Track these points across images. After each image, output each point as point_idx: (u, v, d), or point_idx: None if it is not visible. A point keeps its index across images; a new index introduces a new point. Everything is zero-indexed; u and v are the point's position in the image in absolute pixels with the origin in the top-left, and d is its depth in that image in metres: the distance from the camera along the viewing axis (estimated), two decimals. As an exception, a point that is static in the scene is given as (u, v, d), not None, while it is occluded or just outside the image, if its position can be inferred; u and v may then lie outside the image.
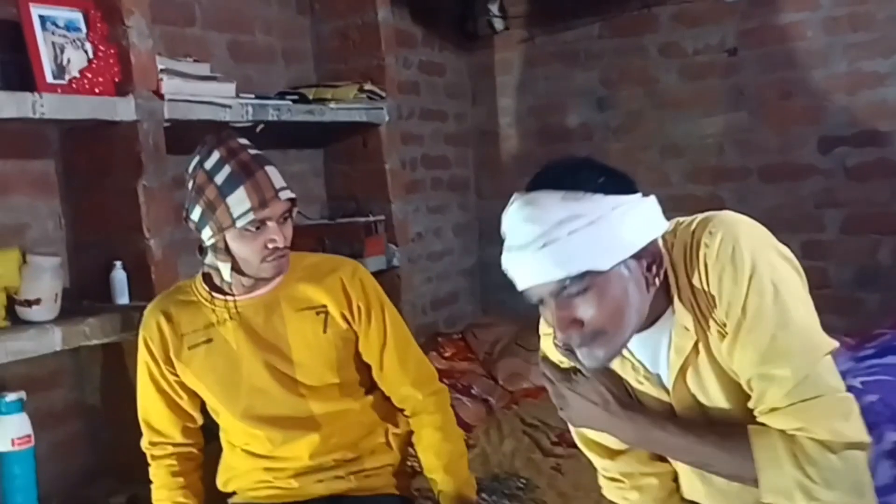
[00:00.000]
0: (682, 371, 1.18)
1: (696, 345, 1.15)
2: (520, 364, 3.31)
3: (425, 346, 3.42)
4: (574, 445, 2.49)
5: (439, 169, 4.01)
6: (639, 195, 1.13)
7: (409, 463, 2.37)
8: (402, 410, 1.79)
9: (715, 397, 1.17)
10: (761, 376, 1.08)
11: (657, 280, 1.12)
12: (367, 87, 3.03)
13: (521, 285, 1.11)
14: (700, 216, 1.16)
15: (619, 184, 1.11)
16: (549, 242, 1.06)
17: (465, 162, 4.23)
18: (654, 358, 1.21)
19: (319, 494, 1.70)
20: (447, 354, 3.37)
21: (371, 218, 3.13)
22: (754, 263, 1.08)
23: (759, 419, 1.11)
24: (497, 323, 3.63)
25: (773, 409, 1.08)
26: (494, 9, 3.89)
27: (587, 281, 1.07)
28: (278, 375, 1.65)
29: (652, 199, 1.15)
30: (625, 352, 1.21)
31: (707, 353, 1.16)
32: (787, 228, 3.37)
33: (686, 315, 1.14)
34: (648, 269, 1.11)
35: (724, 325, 1.11)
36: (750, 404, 1.12)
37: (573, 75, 3.91)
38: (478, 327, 3.61)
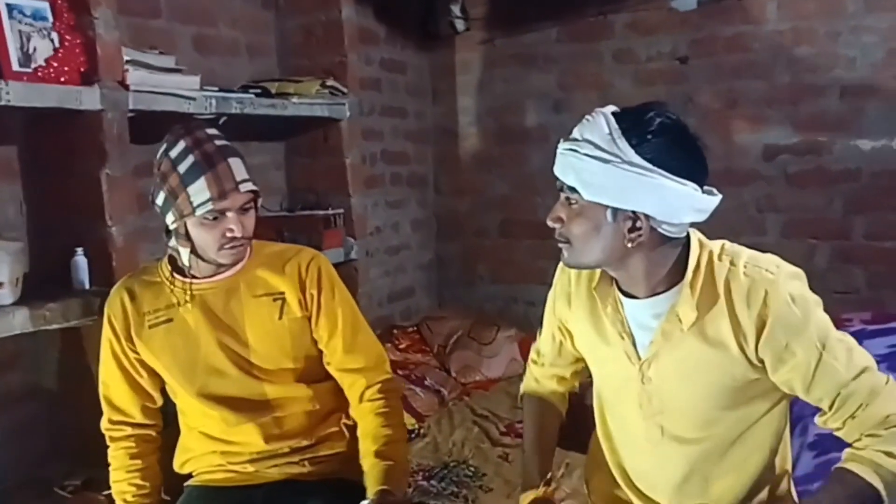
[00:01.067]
0: (659, 353, 1.30)
1: (681, 336, 1.26)
2: (472, 357, 3.40)
3: (381, 338, 3.44)
4: (521, 435, 2.61)
5: (399, 165, 4.08)
6: (670, 178, 1.19)
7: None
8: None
9: (678, 386, 1.30)
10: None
11: (631, 244, 1.23)
12: (330, 82, 3.08)
13: (555, 168, 1.28)
14: (769, 260, 1.27)
15: (667, 157, 1.19)
16: (572, 150, 1.23)
17: (424, 159, 4.31)
18: (641, 327, 1.32)
19: (274, 479, 1.76)
20: (402, 346, 3.44)
21: (330, 211, 3.18)
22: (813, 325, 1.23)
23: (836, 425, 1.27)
24: (451, 317, 3.71)
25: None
26: (456, 10, 3.97)
27: (575, 196, 1.24)
28: (234, 357, 1.70)
29: (679, 191, 1.20)
30: (620, 307, 1.34)
31: (693, 351, 1.26)
32: (731, 232, 3.42)
33: (688, 309, 1.24)
34: (630, 231, 1.23)
35: (762, 360, 1.24)
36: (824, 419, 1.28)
37: (531, 77, 4.01)
38: (432, 320, 3.69)
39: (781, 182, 3.54)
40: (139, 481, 1.77)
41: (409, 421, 2.70)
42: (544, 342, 1.59)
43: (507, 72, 4.08)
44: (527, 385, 1.65)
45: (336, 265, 3.15)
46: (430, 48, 4.22)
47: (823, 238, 3.46)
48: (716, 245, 1.30)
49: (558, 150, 1.26)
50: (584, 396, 2.83)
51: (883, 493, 1.20)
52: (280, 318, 1.71)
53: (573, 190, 1.24)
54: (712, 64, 3.61)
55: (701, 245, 1.29)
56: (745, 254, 1.28)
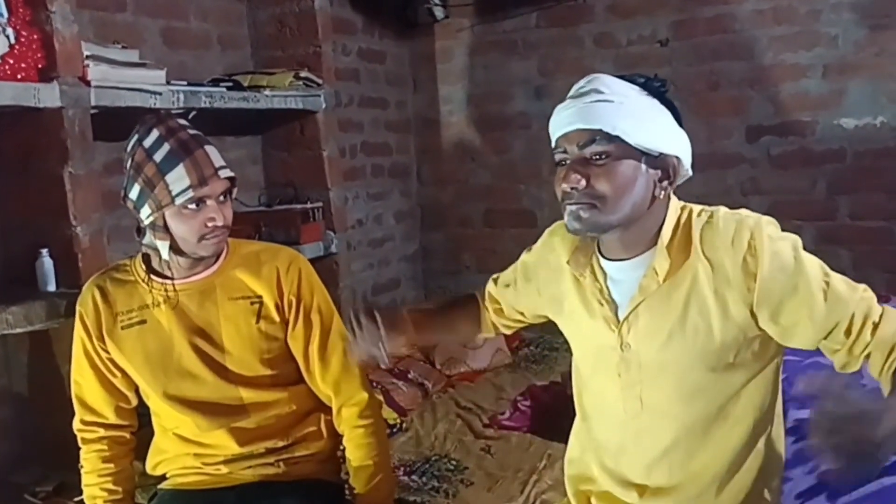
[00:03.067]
0: (638, 313, 1.28)
1: (659, 290, 1.25)
2: (457, 348, 3.36)
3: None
4: (504, 427, 2.59)
5: (380, 156, 4.03)
6: (678, 126, 1.27)
7: (339, 448, 2.42)
8: None
9: (657, 350, 1.27)
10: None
11: (662, 193, 1.24)
12: (304, 74, 3.04)
13: (565, 128, 1.24)
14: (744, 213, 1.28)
15: (674, 110, 1.27)
16: (602, 100, 1.21)
17: (406, 149, 4.26)
18: (623, 292, 1.30)
19: (248, 480, 1.72)
20: (386, 340, 3.39)
21: (309, 205, 3.14)
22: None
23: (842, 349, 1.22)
24: (436, 308, 3.67)
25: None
26: (434, -3, 3.92)
27: (612, 147, 1.20)
28: (209, 361, 1.66)
29: (688, 142, 1.28)
30: (600, 274, 1.32)
31: (672, 309, 1.25)
32: None
33: (662, 260, 1.24)
34: (660, 180, 1.24)
35: (755, 309, 1.22)
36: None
37: (511, 64, 3.97)
38: (417, 313, 3.64)
39: (765, 164, 3.51)
40: (111, 486, 1.73)
41: (392, 416, 2.67)
42: (504, 277, 1.60)
43: (488, 59, 4.03)
44: (491, 286, 1.64)
45: (316, 259, 3.17)
46: (410, 37, 4.17)
47: (808, 219, 3.43)
48: (696, 206, 1.31)
49: (571, 109, 1.23)
50: (565, 386, 2.82)
51: None
52: (257, 321, 1.66)
53: (609, 140, 1.20)
54: (693, 46, 3.57)
55: (681, 206, 1.30)
56: (723, 208, 1.30)
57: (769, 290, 1.20)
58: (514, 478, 2.26)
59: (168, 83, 2.40)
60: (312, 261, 3.11)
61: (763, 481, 1.33)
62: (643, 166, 1.22)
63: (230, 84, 2.75)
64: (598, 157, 1.21)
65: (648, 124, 1.22)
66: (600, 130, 1.20)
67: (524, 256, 1.54)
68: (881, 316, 1.20)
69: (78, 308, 1.68)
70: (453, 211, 4.24)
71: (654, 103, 1.25)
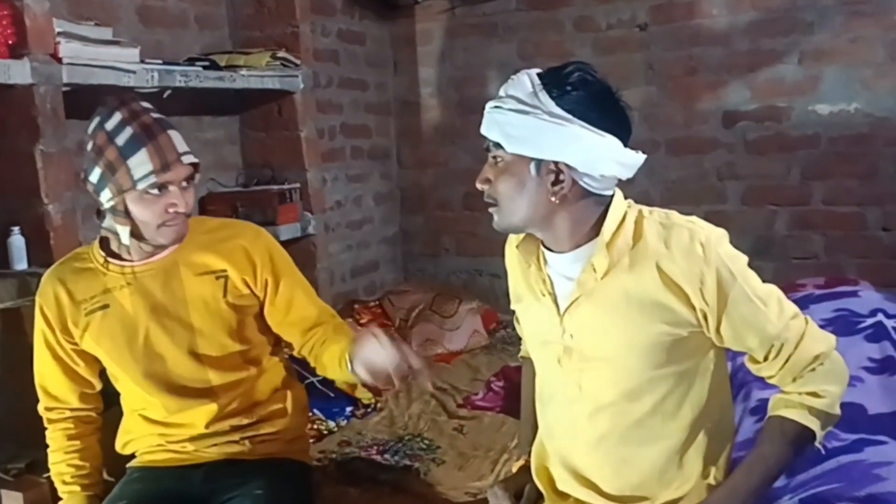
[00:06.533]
0: (578, 304, 1.30)
1: (596, 285, 1.28)
2: (434, 330, 3.39)
3: (342, 313, 3.44)
4: (477, 407, 2.62)
5: (360, 138, 4.03)
6: (590, 130, 1.23)
7: (312, 427, 2.44)
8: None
9: (596, 339, 1.31)
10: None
11: (555, 198, 1.26)
12: (281, 54, 3.03)
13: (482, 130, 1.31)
14: (690, 220, 1.30)
15: (585, 110, 1.23)
16: (497, 107, 1.27)
17: (386, 131, 4.25)
18: (564, 281, 1.33)
19: (214, 459, 1.72)
20: (363, 321, 3.41)
21: (286, 186, 3.14)
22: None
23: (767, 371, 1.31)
24: (414, 290, 3.69)
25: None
26: (415, -21, 3.91)
27: (501, 152, 1.27)
28: (178, 341, 1.65)
29: (599, 144, 1.24)
30: (544, 264, 1.35)
31: (610, 302, 1.27)
32: (691, 200, 3.53)
33: (601, 258, 1.27)
34: (553, 184, 1.26)
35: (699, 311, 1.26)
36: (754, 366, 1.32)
37: (491, 47, 3.96)
38: (394, 294, 3.66)
39: (741, 149, 3.53)
40: (78, 461, 1.73)
41: (366, 395, 2.69)
42: (519, 328, 1.59)
43: (468, 41, 4.03)
44: (523, 349, 1.63)
45: (293, 241, 3.17)
46: (390, 18, 4.15)
47: (783, 204, 3.46)
48: (646, 207, 1.33)
49: (485, 111, 1.29)
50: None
51: (818, 432, 1.26)
52: (225, 295, 1.66)
53: (498, 146, 1.27)
54: (671, 30, 3.58)
55: (629, 205, 1.32)
56: (676, 214, 1.31)
57: (716, 302, 1.24)
58: (485, 457, 2.29)
59: (142, 62, 2.39)
60: (289, 241, 3.16)
61: (707, 467, 1.36)
62: (532, 171, 1.26)
63: (206, 63, 2.73)
64: (496, 160, 1.29)
65: (533, 132, 1.23)
66: (490, 139, 1.28)
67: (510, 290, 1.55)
68: (796, 347, 1.26)
69: (38, 300, 1.67)
70: (433, 193, 4.24)
71: (551, 107, 1.23)
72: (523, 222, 1.30)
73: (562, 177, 1.25)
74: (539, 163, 1.25)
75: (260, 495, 1.64)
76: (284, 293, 1.71)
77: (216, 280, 1.66)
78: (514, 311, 1.52)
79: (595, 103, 1.25)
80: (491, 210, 1.32)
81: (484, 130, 1.29)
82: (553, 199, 1.26)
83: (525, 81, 1.26)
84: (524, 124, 1.23)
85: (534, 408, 1.51)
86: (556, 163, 1.24)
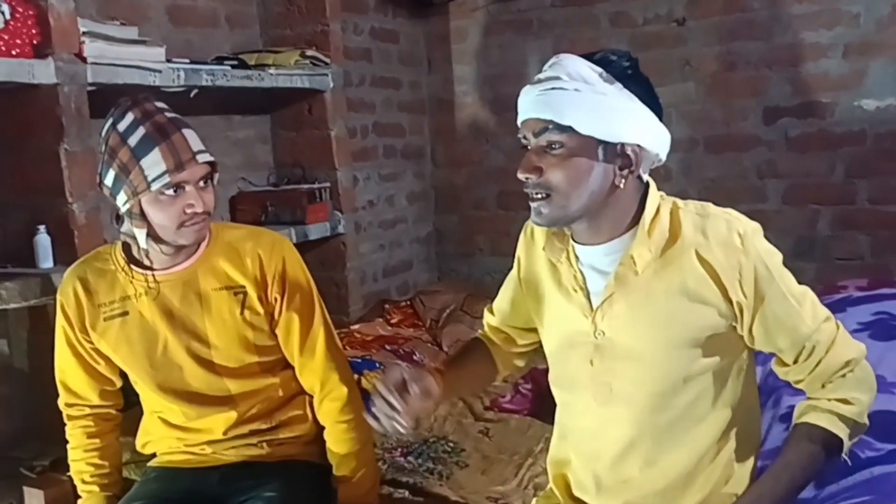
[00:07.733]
0: (613, 300, 1.25)
1: (636, 280, 1.23)
2: (465, 331, 3.33)
3: (371, 313, 3.44)
4: (504, 410, 2.57)
5: (393, 137, 4.00)
6: (650, 111, 1.23)
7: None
8: None
9: (631, 337, 1.25)
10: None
11: (622, 182, 1.21)
12: (310, 52, 3.02)
13: (523, 115, 1.23)
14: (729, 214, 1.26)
15: (642, 92, 1.22)
16: (556, 88, 1.18)
17: (420, 130, 4.22)
18: (598, 276, 1.28)
19: (231, 461, 1.71)
20: (394, 321, 3.39)
21: (316, 185, 3.14)
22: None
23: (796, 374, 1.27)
24: (446, 290, 3.65)
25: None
26: (448, -24, 3.87)
27: (565, 137, 1.18)
28: (194, 354, 1.64)
29: (658, 125, 1.24)
30: (575, 261, 1.30)
31: (648, 297, 1.22)
32: (730, 199, 3.35)
33: (644, 251, 1.22)
34: (621, 168, 1.21)
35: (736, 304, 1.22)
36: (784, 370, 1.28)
37: (526, 44, 3.90)
38: (426, 294, 3.63)
39: (782, 146, 3.41)
40: (97, 460, 1.75)
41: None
42: (497, 302, 1.57)
43: (503, 38, 3.97)
44: (486, 326, 1.61)
45: (322, 240, 3.17)
46: (424, 16, 4.12)
47: (826, 203, 3.34)
48: (680, 200, 1.29)
49: (529, 96, 1.21)
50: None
51: (846, 441, 1.22)
52: (241, 312, 1.64)
53: (561, 130, 1.18)
54: (710, 25, 3.47)
55: (662, 196, 1.28)
56: (711, 205, 1.27)
57: (753, 296, 1.20)
58: (509, 461, 2.24)
59: (169, 61, 2.39)
60: (318, 241, 3.16)
61: (732, 474, 1.31)
62: (600, 155, 1.20)
63: (234, 62, 2.73)
64: (552, 146, 1.20)
65: (605, 113, 1.18)
66: (552, 121, 1.19)
67: (512, 271, 1.52)
68: (827, 351, 1.23)
69: (59, 298, 1.66)
70: (467, 193, 4.20)
71: (616, 88, 1.20)
72: (580, 212, 1.23)
73: (631, 159, 1.21)
74: (606, 146, 1.20)
75: (273, 497, 1.63)
76: (286, 317, 1.68)
77: (234, 296, 1.64)
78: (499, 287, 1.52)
79: (648, 87, 1.23)
80: (536, 204, 1.23)
81: (538, 114, 1.20)
82: (620, 183, 1.21)
83: (578, 64, 1.20)
84: (597, 106, 1.17)
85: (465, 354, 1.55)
86: (623, 145, 1.20)
